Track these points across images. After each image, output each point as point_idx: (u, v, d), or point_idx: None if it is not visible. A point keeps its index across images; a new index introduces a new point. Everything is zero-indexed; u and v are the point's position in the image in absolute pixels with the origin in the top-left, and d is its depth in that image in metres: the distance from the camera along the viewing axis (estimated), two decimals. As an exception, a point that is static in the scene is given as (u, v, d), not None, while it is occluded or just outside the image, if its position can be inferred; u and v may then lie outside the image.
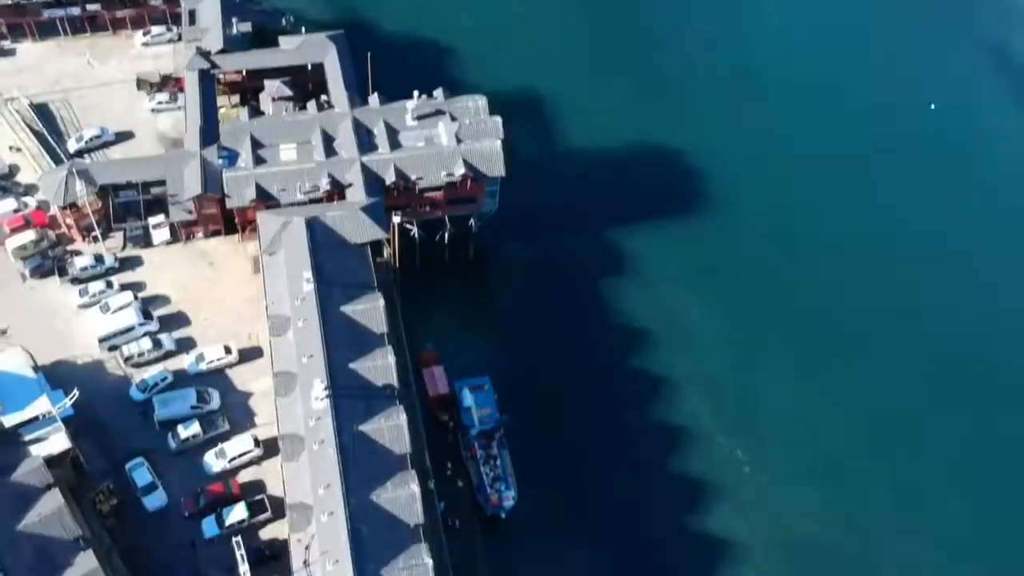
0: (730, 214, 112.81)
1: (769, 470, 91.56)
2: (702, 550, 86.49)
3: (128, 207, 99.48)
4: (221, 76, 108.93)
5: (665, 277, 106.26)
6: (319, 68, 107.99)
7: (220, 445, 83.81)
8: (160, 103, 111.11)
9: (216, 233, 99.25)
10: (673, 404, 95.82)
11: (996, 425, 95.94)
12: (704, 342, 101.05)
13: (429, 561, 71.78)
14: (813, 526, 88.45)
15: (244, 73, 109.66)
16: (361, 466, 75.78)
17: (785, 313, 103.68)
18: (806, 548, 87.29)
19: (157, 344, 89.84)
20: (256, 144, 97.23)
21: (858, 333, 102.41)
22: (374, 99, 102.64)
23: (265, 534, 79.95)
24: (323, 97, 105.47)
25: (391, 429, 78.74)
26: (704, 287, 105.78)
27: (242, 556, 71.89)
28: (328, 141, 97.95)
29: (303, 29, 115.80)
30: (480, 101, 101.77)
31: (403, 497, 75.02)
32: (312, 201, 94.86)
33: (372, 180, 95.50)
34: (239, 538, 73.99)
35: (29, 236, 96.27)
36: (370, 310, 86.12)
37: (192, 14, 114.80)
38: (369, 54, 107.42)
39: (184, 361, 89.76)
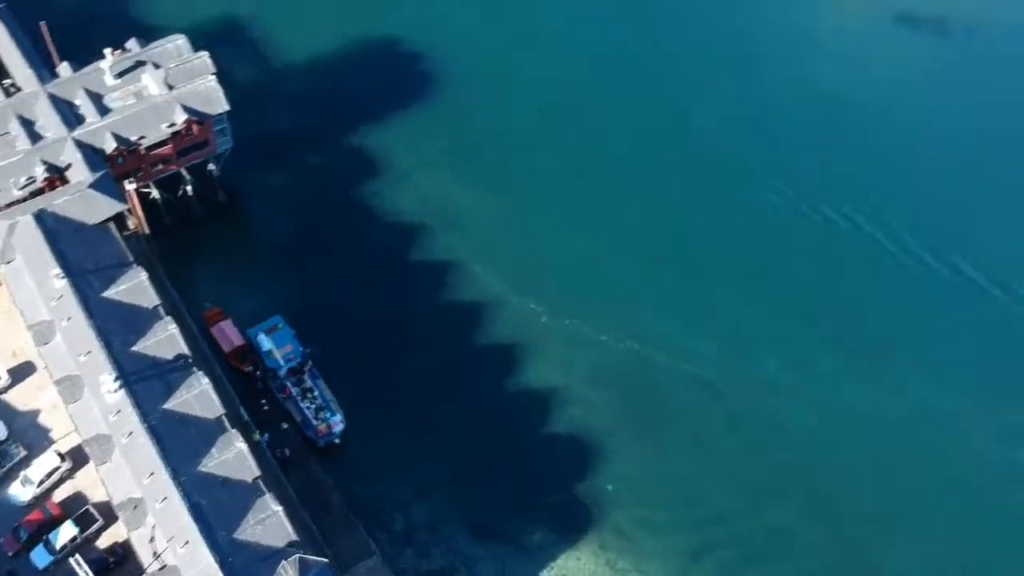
0: (462, 90, 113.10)
1: (565, 314, 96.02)
2: (528, 406, 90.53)
3: None
4: None
5: (418, 165, 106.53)
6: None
7: (23, 473, 78.73)
8: None
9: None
10: (463, 281, 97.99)
11: (757, 238, 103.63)
12: (472, 215, 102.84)
13: (279, 508, 71.52)
14: (617, 351, 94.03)
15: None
16: (179, 443, 73.55)
17: (537, 170, 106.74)
18: (617, 371, 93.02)
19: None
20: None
21: (610, 171, 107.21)
22: (65, 68, 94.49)
23: (103, 542, 76.84)
24: (6, 81, 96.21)
25: (198, 397, 76.44)
26: (457, 165, 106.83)
27: (85, 573, 69.00)
28: (28, 126, 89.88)
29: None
30: (180, 40, 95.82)
31: (232, 458, 73.69)
32: (33, 194, 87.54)
33: (91, 154, 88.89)
34: (77, 556, 70.92)
35: None
36: (135, 287, 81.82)
37: None
38: (42, 23, 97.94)
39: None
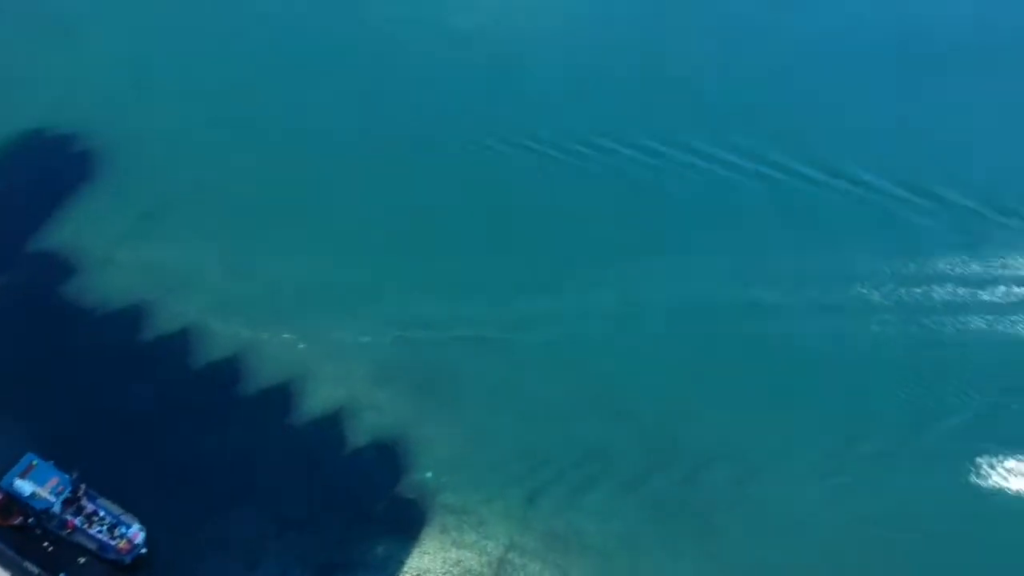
0: (132, 150, 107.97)
1: (320, 331, 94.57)
2: (323, 433, 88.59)
3: None
4: None
5: (115, 243, 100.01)
6: None
7: None
8: None
9: None
10: (206, 340, 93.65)
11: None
12: (189, 273, 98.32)
13: (110, 647, 66.61)
14: (384, 345, 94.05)
15: None
16: (-28, 631, 66.46)
17: (240, 201, 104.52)
18: (393, 364, 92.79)
19: None
20: None
21: (316, 178, 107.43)
22: None
23: None
24: None
25: (-28, 575, 69.27)
26: (156, 228, 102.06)
27: None
28: None
29: None
30: None
31: (37, 620, 67.68)
32: None
33: None
34: None
35: None
36: None
37: None
38: None
39: None
